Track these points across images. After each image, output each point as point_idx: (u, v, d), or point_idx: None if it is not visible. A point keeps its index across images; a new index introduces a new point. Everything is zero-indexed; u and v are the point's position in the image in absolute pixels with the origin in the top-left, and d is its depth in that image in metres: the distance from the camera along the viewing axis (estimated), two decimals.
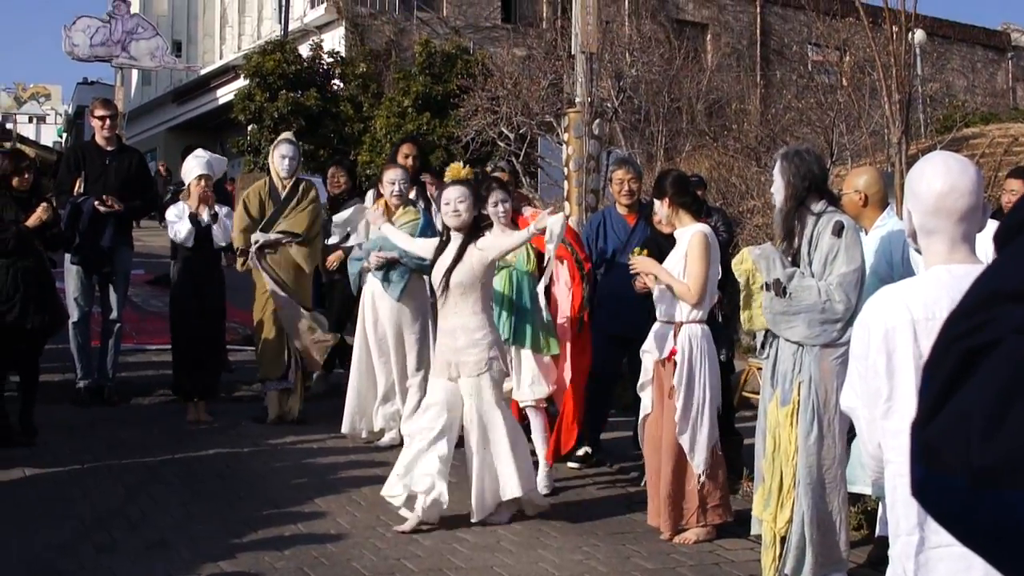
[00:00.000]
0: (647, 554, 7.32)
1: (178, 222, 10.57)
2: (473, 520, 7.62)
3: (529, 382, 8.66)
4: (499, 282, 8.67)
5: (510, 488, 7.70)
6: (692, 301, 7.52)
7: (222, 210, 10.75)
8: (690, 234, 7.62)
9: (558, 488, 8.73)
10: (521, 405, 8.75)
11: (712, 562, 7.22)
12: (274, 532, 7.50)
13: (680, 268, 7.59)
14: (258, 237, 10.51)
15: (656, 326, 7.76)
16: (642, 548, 7.45)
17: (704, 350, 7.56)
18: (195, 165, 10.80)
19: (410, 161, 10.91)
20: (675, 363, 7.57)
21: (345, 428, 9.79)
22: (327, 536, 7.37)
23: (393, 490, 7.68)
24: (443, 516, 7.77)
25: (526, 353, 8.69)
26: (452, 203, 7.90)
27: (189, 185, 10.80)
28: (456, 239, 7.94)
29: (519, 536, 7.57)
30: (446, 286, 7.79)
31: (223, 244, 10.71)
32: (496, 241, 7.94)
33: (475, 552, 7.23)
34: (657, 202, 7.82)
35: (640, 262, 7.82)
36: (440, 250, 8.03)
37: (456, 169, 8.17)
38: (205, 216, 10.57)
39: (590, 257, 9.15)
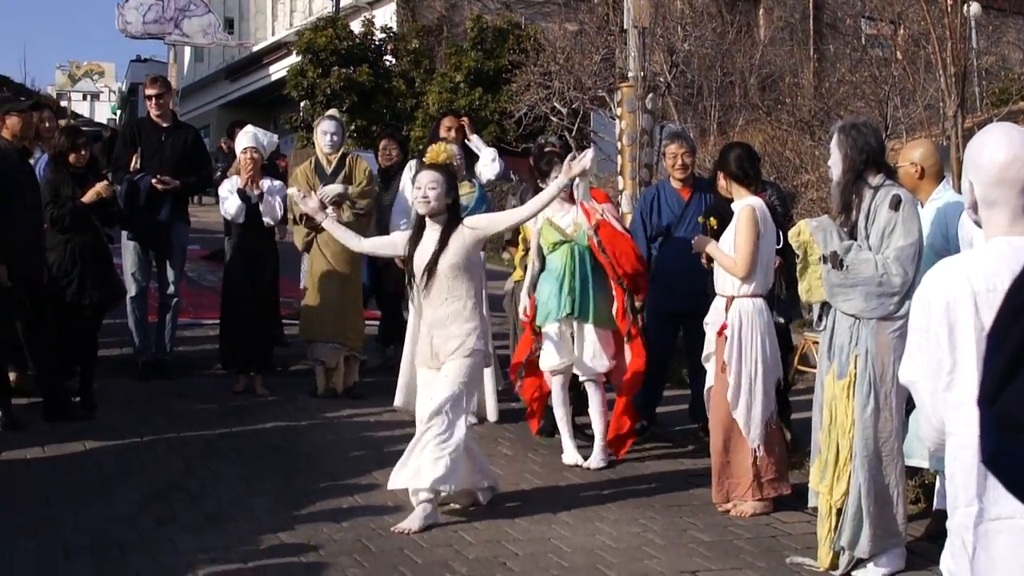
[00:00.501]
0: (704, 527, 7.34)
1: (228, 198, 10.63)
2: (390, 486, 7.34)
3: (591, 356, 8.65)
4: (560, 257, 8.66)
5: (438, 480, 7.12)
6: (739, 275, 7.52)
7: (272, 185, 10.73)
8: (739, 208, 7.64)
9: (614, 461, 8.76)
10: (581, 379, 8.76)
11: (769, 535, 7.24)
12: (332, 504, 7.57)
13: (731, 242, 7.61)
14: (324, 192, 10.52)
15: (716, 299, 7.78)
16: (699, 521, 7.47)
17: (756, 324, 7.56)
18: (242, 138, 10.85)
19: (452, 134, 10.88)
20: (726, 337, 7.60)
21: (397, 402, 9.69)
22: (384, 508, 7.42)
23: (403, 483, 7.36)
24: (500, 492, 7.84)
25: (588, 327, 8.66)
26: (423, 188, 7.44)
27: (239, 159, 10.85)
28: (432, 227, 7.49)
29: (576, 509, 7.60)
30: (430, 274, 7.38)
31: (271, 222, 10.71)
32: (497, 216, 7.81)
33: (532, 525, 7.27)
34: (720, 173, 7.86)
35: (697, 242, 7.86)
36: (414, 240, 7.60)
37: (435, 152, 7.99)
38: (255, 190, 10.61)
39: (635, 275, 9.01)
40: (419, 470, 7.17)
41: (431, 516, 7.16)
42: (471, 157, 10.65)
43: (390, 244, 8.07)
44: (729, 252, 7.58)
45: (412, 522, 7.10)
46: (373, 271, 11.86)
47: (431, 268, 7.39)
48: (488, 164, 10.54)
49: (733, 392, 7.54)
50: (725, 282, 7.65)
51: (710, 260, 7.83)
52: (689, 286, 8.63)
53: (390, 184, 11.48)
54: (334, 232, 8.23)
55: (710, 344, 7.82)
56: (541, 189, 8.61)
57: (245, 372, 10.87)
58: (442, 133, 10.82)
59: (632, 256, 8.65)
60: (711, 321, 7.79)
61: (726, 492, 7.66)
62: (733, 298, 7.60)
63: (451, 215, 7.49)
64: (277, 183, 10.81)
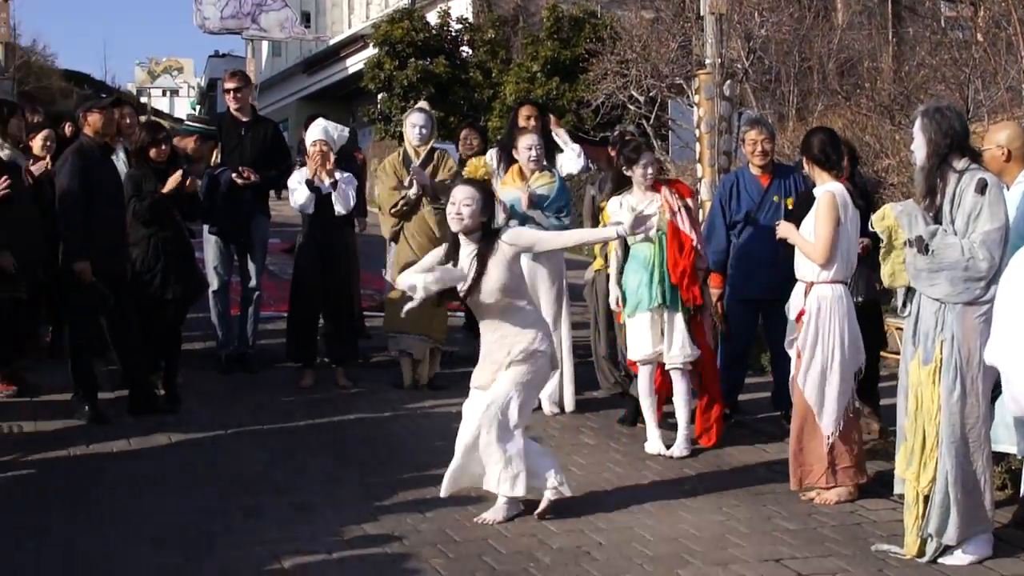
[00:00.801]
0: (788, 515, 7.30)
1: (297, 189, 10.62)
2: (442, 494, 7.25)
3: (680, 345, 8.61)
4: (648, 246, 8.62)
5: (493, 482, 7.09)
6: (818, 261, 7.45)
7: (344, 176, 10.74)
8: (820, 193, 7.57)
9: (697, 450, 8.72)
10: (668, 367, 8.72)
11: (854, 522, 7.18)
12: (416, 495, 7.60)
13: (811, 228, 7.55)
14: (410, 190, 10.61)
15: (797, 285, 7.72)
16: (783, 509, 7.42)
17: (835, 310, 7.49)
18: (312, 131, 10.87)
19: (532, 122, 10.85)
20: (804, 323, 7.54)
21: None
22: (468, 498, 7.41)
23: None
24: (582, 480, 7.84)
25: (677, 316, 8.62)
26: (457, 204, 7.16)
27: (308, 151, 10.86)
28: (467, 245, 7.25)
29: (660, 498, 7.58)
30: (473, 298, 7.20)
31: (343, 212, 10.70)
32: (540, 237, 7.49)
33: (616, 514, 7.27)
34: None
35: (780, 229, 7.80)
36: (451, 255, 7.34)
37: (474, 166, 7.78)
38: (326, 181, 10.60)
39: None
40: (488, 475, 7.12)
41: (514, 508, 7.16)
42: (552, 148, 10.60)
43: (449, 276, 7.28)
44: (809, 238, 7.51)
45: (495, 513, 7.11)
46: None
47: (472, 293, 7.17)
48: (572, 159, 10.49)
49: (808, 379, 7.49)
50: (805, 268, 7.59)
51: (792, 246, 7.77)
52: (769, 273, 8.60)
53: None
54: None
55: (792, 330, 7.76)
56: (626, 177, 8.63)
57: (311, 366, 10.88)
58: (521, 122, 10.78)
59: (678, 267, 8.61)
60: (792, 306, 7.74)
61: (800, 478, 7.61)
62: (812, 284, 7.54)
63: (485, 234, 7.21)
64: (347, 174, 10.80)
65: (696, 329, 8.70)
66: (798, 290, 7.67)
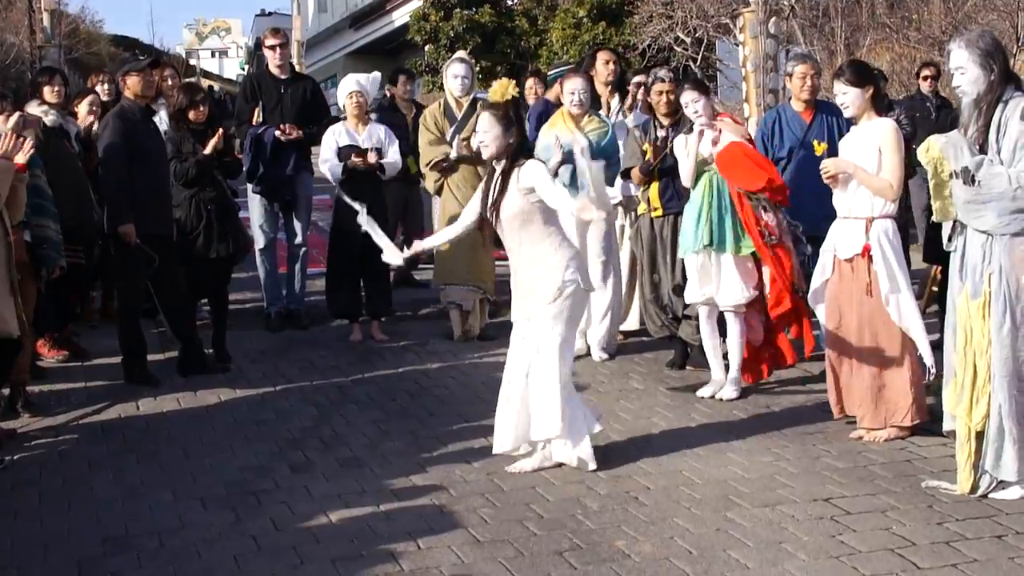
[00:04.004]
0: (837, 453, 7.24)
1: (327, 161, 10.60)
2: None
3: (730, 287, 8.48)
4: (700, 187, 8.52)
5: (543, 428, 6.97)
6: (893, 197, 7.36)
7: (384, 135, 10.74)
8: (883, 128, 7.43)
9: (746, 390, 8.66)
10: (721, 308, 8.65)
11: (904, 459, 7.12)
12: (463, 446, 7.62)
13: (871, 162, 7.40)
14: (452, 152, 10.55)
15: (840, 223, 7.58)
16: (832, 448, 7.37)
17: (896, 246, 7.41)
18: (345, 84, 10.82)
19: (611, 66, 10.83)
20: (870, 258, 7.40)
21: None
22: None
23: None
24: (631, 425, 7.83)
25: (726, 258, 8.46)
26: (479, 134, 7.21)
27: (345, 107, 10.85)
28: (497, 167, 7.19)
29: (708, 442, 7.54)
30: (496, 221, 7.11)
31: (391, 175, 10.78)
32: (550, 192, 6.96)
33: (663, 456, 7.25)
34: (843, 87, 7.57)
35: (833, 163, 7.61)
36: (488, 182, 7.27)
37: (499, 88, 7.56)
38: (363, 139, 10.56)
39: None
40: (531, 424, 7.03)
41: (548, 460, 7.12)
42: (597, 95, 10.54)
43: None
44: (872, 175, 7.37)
45: (525, 464, 7.11)
46: None
47: (494, 215, 7.11)
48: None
49: (904, 313, 7.40)
50: (863, 203, 7.44)
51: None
52: (815, 209, 8.44)
53: (540, 122, 11.21)
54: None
55: (825, 271, 7.66)
56: (663, 126, 8.60)
57: (356, 320, 10.90)
58: (600, 67, 10.85)
59: (754, 173, 8.40)
60: (831, 247, 7.61)
61: (884, 418, 7.54)
62: (873, 219, 7.42)
63: (511, 158, 7.10)
64: (380, 127, 10.80)
65: (758, 269, 8.53)
66: (853, 228, 7.51)
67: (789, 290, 8.30)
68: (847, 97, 7.54)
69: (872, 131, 7.48)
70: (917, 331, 7.41)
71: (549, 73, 12.92)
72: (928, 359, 7.41)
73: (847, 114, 7.68)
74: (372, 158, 10.37)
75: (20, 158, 7.52)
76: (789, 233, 8.42)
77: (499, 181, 7.08)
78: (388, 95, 13.59)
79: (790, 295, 8.31)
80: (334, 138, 10.58)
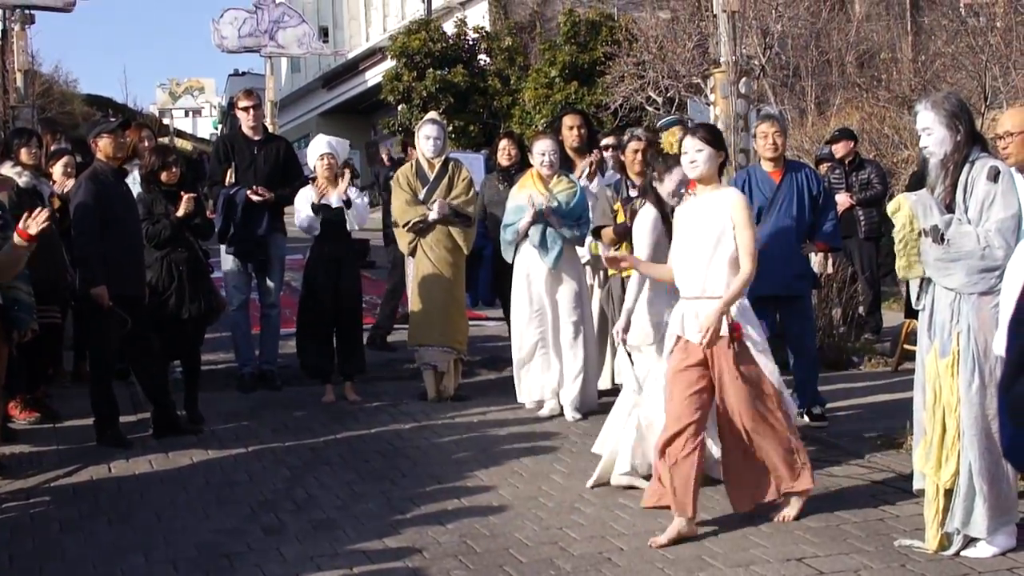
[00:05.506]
0: (809, 512, 7.22)
1: (299, 213, 10.66)
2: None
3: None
4: None
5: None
6: (748, 275, 7.09)
7: (355, 191, 10.81)
8: (731, 200, 7.11)
9: None
10: None
11: (876, 517, 7.14)
12: (437, 507, 7.59)
13: (714, 233, 7.08)
14: (431, 213, 10.61)
15: (689, 304, 7.18)
16: (805, 507, 7.35)
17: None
18: (316, 146, 10.88)
19: (575, 132, 10.88)
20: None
21: (521, 398, 10.25)
22: (489, 508, 7.44)
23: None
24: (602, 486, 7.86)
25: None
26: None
27: (315, 168, 10.88)
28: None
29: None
30: None
31: (356, 227, 10.78)
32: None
33: (636, 519, 7.25)
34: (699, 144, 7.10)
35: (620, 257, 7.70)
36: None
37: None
38: (334, 199, 10.62)
39: None
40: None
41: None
42: (568, 156, 10.64)
43: None
44: None
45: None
46: (493, 274, 11.70)
47: None
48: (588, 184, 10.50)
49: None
50: (719, 281, 7.08)
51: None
52: (783, 270, 8.49)
53: (512, 182, 11.19)
54: None
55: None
56: (635, 185, 8.70)
57: (331, 381, 10.88)
58: (565, 132, 10.92)
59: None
60: (686, 327, 7.18)
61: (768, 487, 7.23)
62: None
63: None
64: (353, 190, 10.85)
65: None
66: (708, 308, 7.11)
67: None
68: (701, 155, 7.06)
69: (719, 201, 7.10)
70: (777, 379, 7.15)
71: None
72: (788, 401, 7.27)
73: (694, 174, 7.16)
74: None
75: (33, 229, 7.52)
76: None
77: None
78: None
79: None
80: (307, 198, 10.63)
